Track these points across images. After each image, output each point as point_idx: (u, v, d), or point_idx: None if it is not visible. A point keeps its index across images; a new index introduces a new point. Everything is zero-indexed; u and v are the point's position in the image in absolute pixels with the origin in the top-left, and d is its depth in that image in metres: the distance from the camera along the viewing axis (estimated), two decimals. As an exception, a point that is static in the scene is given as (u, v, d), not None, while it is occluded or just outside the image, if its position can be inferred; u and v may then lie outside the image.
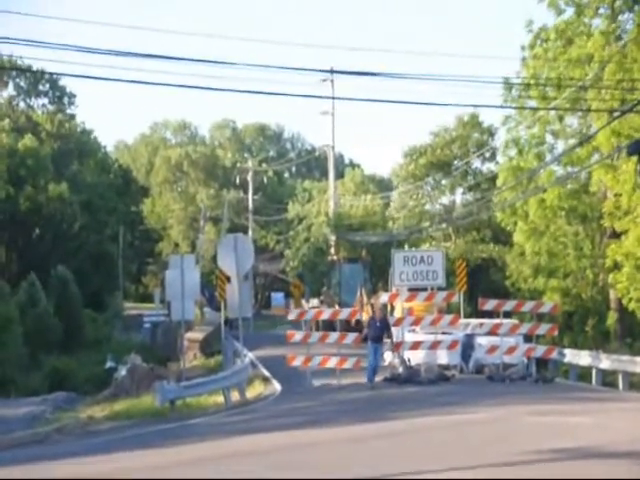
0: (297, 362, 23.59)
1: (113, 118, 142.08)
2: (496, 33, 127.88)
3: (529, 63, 36.46)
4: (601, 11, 34.56)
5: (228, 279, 28.16)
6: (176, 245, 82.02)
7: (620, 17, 34.11)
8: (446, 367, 23.33)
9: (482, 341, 23.69)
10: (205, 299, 51.83)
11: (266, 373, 28.33)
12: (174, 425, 18.70)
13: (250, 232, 63.41)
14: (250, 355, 31.40)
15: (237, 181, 73.33)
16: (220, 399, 22.46)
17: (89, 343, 48.09)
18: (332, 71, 36.86)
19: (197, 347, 39.31)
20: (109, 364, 37.17)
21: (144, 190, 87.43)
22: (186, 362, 31.67)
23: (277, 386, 25.09)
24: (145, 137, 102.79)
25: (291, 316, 26.03)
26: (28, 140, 59.74)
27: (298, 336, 24.60)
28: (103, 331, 52.51)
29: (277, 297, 59.16)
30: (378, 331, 22.74)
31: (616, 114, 28.49)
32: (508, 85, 36.03)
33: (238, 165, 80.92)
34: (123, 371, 30.93)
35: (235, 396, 22.78)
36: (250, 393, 23.82)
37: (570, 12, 35.56)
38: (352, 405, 19.41)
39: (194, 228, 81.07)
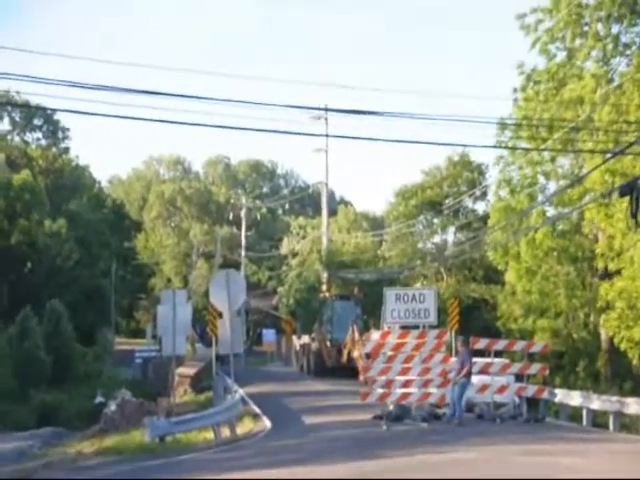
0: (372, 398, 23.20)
1: (107, 153, 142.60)
2: (488, 73, 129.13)
3: (521, 104, 36.81)
4: (593, 54, 35.02)
5: (220, 315, 28.20)
6: (168, 280, 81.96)
7: (612, 60, 34.56)
8: (437, 405, 23.26)
9: (473, 380, 23.64)
10: (197, 334, 51.81)
11: (257, 410, 28.25)
12: (163, 461, 18.65)
13: (242, 268, 63.46)
14: (241, 391, 31.31)
15: (230, 217, 73.57)
16: (210, 435, 22.38)
17: (79, 378, 47.83)
18: (326, 109, 37.25)
19: (188, 383, 39.17)
20: (99, 399, 37.00)
21: (137, 225, 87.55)
22: (176, 398, 31.66)
23: (267, 423, 25.02)
24: (139, 172, 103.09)
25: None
26: (24, 175, 59.90)
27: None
28: (93, 366, 52.25)
29: (268, 333, 59.08)
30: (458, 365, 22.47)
31: (609, 155, 28.75)
32: (502, 126, 36.35)
33: (231, 201, 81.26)
34: (112, 406, 30.76)
35: (225, 432, 22.68)
36: (240, 430, 23.73)
37: (561, 55, 36.08)
38: (342, 443, 19.32)
39: (187, 264, 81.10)
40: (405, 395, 22.56)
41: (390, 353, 23.80)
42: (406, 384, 22.81)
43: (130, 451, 21.34)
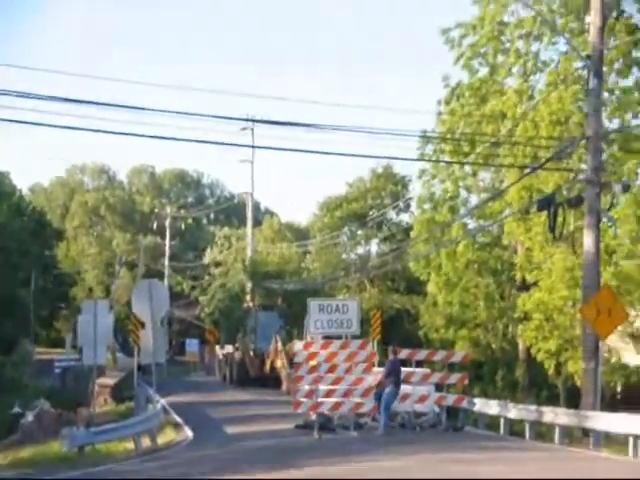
0: (303, 408, 23.03)
1: (28, 161, 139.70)
2: (413, 87, 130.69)
3: (444, 118, 37.39)
4: (514, 70, 35.84)
5: (142, 324, 27.99)
6: (90, 290, 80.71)
7: (532, 77, 35.43)
8: (361, 415, 23.42)
9: (386, 390, 23.81)
10: (118, 344, 51.18)
11: (178, 420, 28.07)
12: (82, 472, 18.38)
13: (166, 278, 62.95)
14: (162, 401, 31.08)
15: (154, 226, 72.92)
16: (131, 445, 22.15)
17: (-4, 388, 46.67)
18: (252, 120, 37.34)
19: (108, 392, 38.69)
20: (16, 409, 36.10)
21: (59, 234, 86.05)
22: (97, 408, 31.20)
23: (189, 433, 24.88)
24: (62, 180, 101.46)
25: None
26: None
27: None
28: (10, 376, 51.04)
29: (192, 343, 58.76)
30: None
31: (526, 171, 29.43)
32: (425, 139, 36.86)
33: (156, 210, 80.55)
34: (30, 417, 30.16)
35: (146, 442, 22.47)
36: (161, 440, 23.55)
37: (484, 71, 36.81)
38: (264, 453, 19.35)
39: (109, 273, 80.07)
40: (338, 405, 22.56)
41: (313, 363, 23.94)
42: (329, 394, 22.90)
43: (48, 462, 20.97)
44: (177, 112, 18.94)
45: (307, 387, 25.06)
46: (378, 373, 23.87)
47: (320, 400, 22.47)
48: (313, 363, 24.20)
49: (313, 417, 23.66)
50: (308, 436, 22.06)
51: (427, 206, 39.98)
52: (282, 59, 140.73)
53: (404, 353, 23.89)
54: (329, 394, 22.91)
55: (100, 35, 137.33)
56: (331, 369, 22.86)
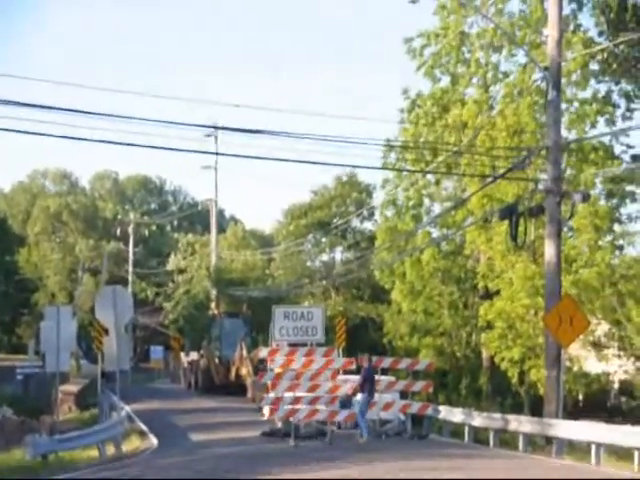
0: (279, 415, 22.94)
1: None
2: (380, 96, 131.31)
3: (407, 127, 37.71)
4: (474, 81, 36.29)
5: (106, 331, 27.93)
6: (53, 296, 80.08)
7: (492, 87, 35.89)
8: (324, 422, 23.52)
9: (359, 397, 24.00)
10: (81, 351, 50.84)
11: (143, 427, 28.01)
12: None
13: (130, 285, 62.67)
14: (127, 408, 30.94)
15: (118, 233, 72.56)
16: (95, 453, 22.09)
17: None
18: (216, 127, 37.40)
19: (72, 400, 38.44)
20: (-23, 416, 35.83)
21: (20, 239, 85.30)
22: (60, 415, 31.02)
23: (154, 440, 24.82)
24: (23, 185, 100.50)
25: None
26: None
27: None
28: (-30, 382, 50.51)
29: (156, 350, 58.53)
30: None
31: (488, 180, 29.77)
32: (388, 147, 37.11)
33: (119, 217, 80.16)
34: (-8, 424, 29.97)
35: (110, 450, 22.43)
36: (126, 447, 23.50)
37: (446, 81, 37.22)
38: (230, 460, 19.36)
39: (72, 279, 79.48)
40: (314, 412, 22.62)
41: (279, 370, 24.02)
42: (295, 401, 22.98)
43: (10, 470, 20.74)
44: (141, 118, 18.94)
45: (273, 395, 25.21)
46: (349, 381, 23.96)
47: (296, 407, 22.44)
48: (279, 371, 24.32)
49: (279, 425, 23.80)
50: (273, 444, 22.16)
51: (390, 213, 40.29)
52: (242, 64, 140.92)
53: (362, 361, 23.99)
54: (296, 402, 22.98)
55: (69, 39, 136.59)
56: (300, 377, 22.86)
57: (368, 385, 22.52)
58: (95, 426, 24.50)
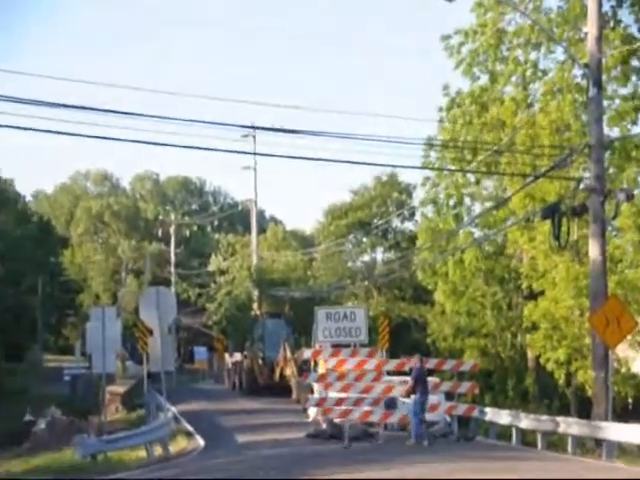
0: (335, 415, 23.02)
1: (32, 167, 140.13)
2: (416, 94, 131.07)
3: (446, 126, 37.59)
4: (513, 79, 36.07)
5: (150, 332, 28.14)
6: (97, 297, 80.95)
7: (531, 85, 35.67)
8: (370, 424, 23.55)
9: (406, 399, 24.00)
10: (127, 352, 51.34)
11: (189, 428, 28.25)
12: (94, 480, 18.59)
13: (172, 285, 63.15)
14: (173, 409, 31.27)
15: (159, 234, 73.12)
16: (142, 454, 22.34)
17: (6, 395, 46.91)
18: (254, 127, 37.43)
19: (119, 400, 38.86)
20: (27, 417, 36.40)
21: (64, 241, 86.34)
22: (107, 416, 31.37)
23: (200, 441, 25.05)
24: (66, 187, 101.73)
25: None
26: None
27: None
28: (20, 383, 51.33)
29: (200, 351, 58.84)
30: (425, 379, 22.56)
31: (529, 179, 29.59)
32: (428, 146, 37.02)
33: (160, 217, 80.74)
34: (42, 424, 30.45)
35: (158, 451, 22.68)
36: (173, 448, 23.74)
37: (485, 79, 37.06)
38: (275, 461, 19.45)
39: (115, 280, 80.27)
40: (367, 413, 22.64)
41: (322, 371, 24.17)
42: (338, 402, 23.06)
43: (60, 470, 21.13)
44: (180, 119, 19.10)
45: (317, 396, 25.35)
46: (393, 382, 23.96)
47: (350, 408, 22.48)
48: (322, 371, 24.45)
49: (324, 426, 23.90)
50: (318, 445, 22.24)
51: (430, 211, 40.23)
52: (284, 66, 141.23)
53: (413, 362, 23.97)
54: (339, 403, 23.06)
55: (99, 38, 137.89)
56: (344, 378, 22.94)
57: (420, 386, 22.40)
58: (142, 427, 24.80)
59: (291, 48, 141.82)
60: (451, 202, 38.83)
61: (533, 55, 35.30)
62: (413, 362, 22.86)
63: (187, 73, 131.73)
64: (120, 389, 40.31)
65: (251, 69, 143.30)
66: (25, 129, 18.36)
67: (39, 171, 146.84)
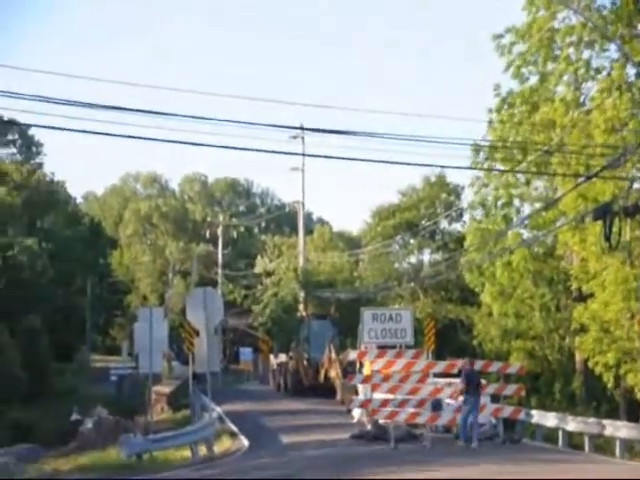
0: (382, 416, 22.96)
1: (82, 169, 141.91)
2: (464, 95, 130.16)
3: (495, 126, 37.21)
4: (564, 78, 35.52)
5: (197, 333, 28.22)
6: (144, 298, 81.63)
7: (584, 85, 35.09)
8: (415, 425, 23.36)
9: (450, 400, 23.81)
10: (173, 352, 51.66)
11: (234, 428, 28.29)
12: (140, 479, 18.61)
13: (219, 286, 63.42)
14: (218, 409, 31.33)
15: (207, 235, 73.51)
16: (187, 453, 22.40)
17: (55, 395, 47.49)
18: (302, 128, 37.32)
19: (164, 400, 39.06)
20: (75, 416, 36.77)
21: (113, 242, 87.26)
22: (153, 415, 31.56)
23: (245, 442, 25.06)
24: (115, 189, 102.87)
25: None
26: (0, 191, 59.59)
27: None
28: (69, 383, 51.94)
29: (245, 352, 58.97)
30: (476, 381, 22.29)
31: (581, 179, 29.11)
32: (476, 147, 36.68)
33: (208, 219, 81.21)
34: (89, 424, 30.69)
35: (203, 451, 22.71)
36: (218, 448, 23.77)
37: (535, 79, 36.56)
38: (320, 462, 19.43)
39: (163, 281, 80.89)
40: (414, 415, 22.38)
41: (367, 373, 24.02)
42: (383, 404, 22.88)
43: (106, 469, 21.30)
44: (228, 120, 19.00)
45: (362, 397, 25.21)
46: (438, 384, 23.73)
47: (397, 410, 22.29)
48: (367, 373, 24.31)
49: (368, 427, 23.76)
50: (362, 446, 22.11)
51: (479, 212, 39.86)
52: (330, 66, 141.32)
53: (459, 364, 23.71)
54: (384, 404, 22.88)
55: (146, 39, 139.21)
56: (388, 379, 22.75)
57: (471, 388, 22.11)
58: (188, 427, 24.87)
59: (338, 49, 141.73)
60: (499, 203, 38.45)
61: (585, 54, 34.79)
62: (462, 364, 22.64)
63: (237, 74, 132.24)
64: (166, 389, 40.53)
65: (301, 70, 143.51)
66: (74, 131, 18.47)
67: (90, 173, 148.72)
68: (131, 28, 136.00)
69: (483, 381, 24.69)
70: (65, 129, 18.23)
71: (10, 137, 76.62)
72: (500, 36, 36.33)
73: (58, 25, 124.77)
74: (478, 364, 24.40)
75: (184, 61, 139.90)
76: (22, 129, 74.31)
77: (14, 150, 77.01)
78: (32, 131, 75.72)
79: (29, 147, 77.48)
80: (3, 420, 39.98)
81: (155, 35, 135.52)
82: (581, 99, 34.55)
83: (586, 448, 22.43)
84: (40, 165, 76.41)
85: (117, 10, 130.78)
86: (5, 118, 59.28)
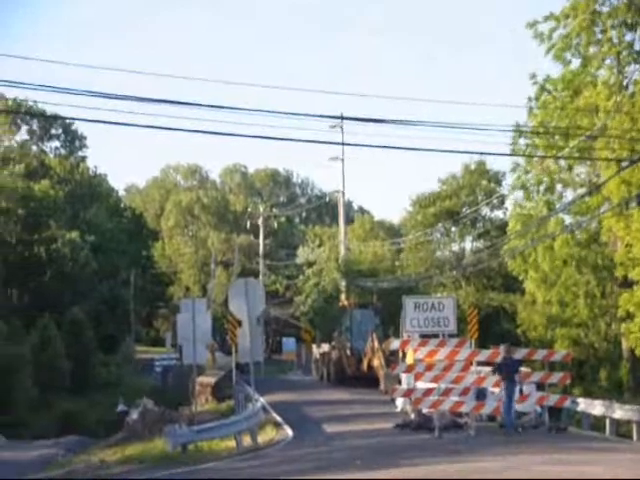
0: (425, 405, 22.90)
1: (124, 162, 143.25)
2: (502, 81, 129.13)
3: (536, 112, 36.80)
4: (607, 62, 35.00)
5: (239, 323, 28.27)
6: (187, 289, 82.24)
7: (627, 68, 34.54)
8: (459, 414, 23.23)
9: (494, 389, 23.62)
10: (217, 343, 51.95)
11: (278, 418, 28.35)
12: (186, 470, 18.73)
13: (261, 276, 63.62)
14: (262, 400, 31.43)
15: (247, 226, 73.78)
16: (232, 444, 22.48)
17: (100, 386, 48.13)
18: (342, 117, 37.20)
19: (209, 391, 39.23)
20: (120, 407, 37.16)
21: (155, 234, 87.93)
22: (198, 406, 31.74)
23: (289, 432, 25.10)
24: (157, 181, 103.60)
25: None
26: (43, 185, 60.27)
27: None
28: (114, 374, 52.57)
29: (288, 342, 59.09)
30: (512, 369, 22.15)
31: (625, 164, 28.71)
32: (517, 133, 36.34)
33: (249, 210, 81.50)
34: (135, 415, 30.94)
35: (247, 441, 22.79)
36: (262, 438, 23.83)
37: (577, 63, 36.09)
38: (363, 452, 19.39)
39: (205, 272, 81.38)
40: (459, 404, 22.30)
41: (410, 362, 23.91)
42: (427, 393, 22.77)
43: (153, 459, 21.43)
44: (267, 111, 18.98)
45: (405, 386, 25.13)
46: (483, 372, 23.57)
47: (442, 399, 22.18)
48: (410, 362, 24.19)
49: (412, 416, 23.68)
50: (406, 436, 22.05)
51: (520, 197, 39.56)
52: (369, 55, 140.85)
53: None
54: (427, 393, 22.78)
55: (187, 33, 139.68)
56: (431, 368, 22.63)
57: (505, 376, 21.96)
58: (232, 417, 24.97)
59: (378, 39, 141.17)
60: (541, 188, 38.08)
61: (628, 37, 34.22)
62: (500, 351, 22.51)
63: (277, 65, 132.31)
64: (210, 380, 40.69)
65: (340, 60, 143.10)
66: (111, 123, 18.60)
67: (131, 165, 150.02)
68: (161, 18, 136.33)
69: (527, 369, 24.51)
70: (108, 122, 18.42)
71: (54, 131, 77.42)
72: (536, 23, 35.79)
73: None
74: (522, 352, 24.21)
75: (219, 53, 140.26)
76: (65, 123, 75.05)
77: (58, 144, 77.83)
78: (75, 125, 76.54)
79: (72, 141, 78.22)
80: (51, 411, 40.62)
81: (186, 26, 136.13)
82: (624, 82, 34.03)
83: (634, 436, 22.13)
84: (83, 159, 77.17)
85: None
86: (49, 112, 60.46)
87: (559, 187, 38.46)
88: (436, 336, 24.84)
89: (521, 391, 22.36)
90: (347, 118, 36.10)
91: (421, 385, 23.19)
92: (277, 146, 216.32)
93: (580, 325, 35.80)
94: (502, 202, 49.92)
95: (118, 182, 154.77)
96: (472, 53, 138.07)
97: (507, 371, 22.00)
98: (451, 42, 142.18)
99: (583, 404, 24.66)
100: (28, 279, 54.59)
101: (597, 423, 24.35)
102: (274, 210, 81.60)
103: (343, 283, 50.23)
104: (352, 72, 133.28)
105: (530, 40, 35.91)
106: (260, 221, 70.95)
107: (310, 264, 56.37)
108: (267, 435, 24.88)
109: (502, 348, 22.63)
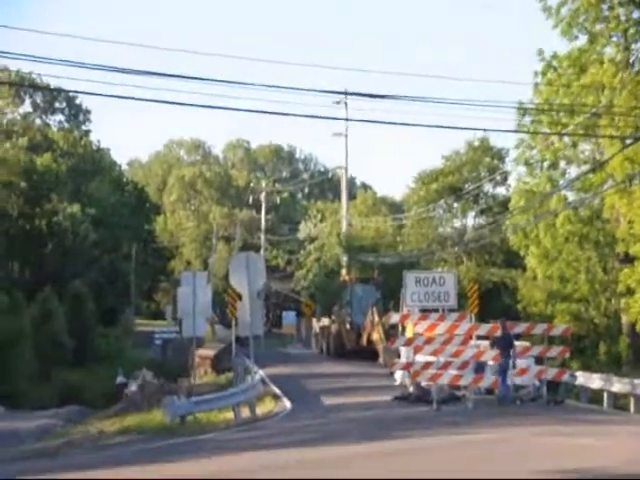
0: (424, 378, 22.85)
1: (126, 136, 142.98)
2: (508, 58, 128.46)
3: (541, 89, 36.62)
4: (614, 39, 34.74)
5: (239, 297, 28.27)
6: (188, 263, 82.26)
7: (633, 45, 34.28)
8: (457, 387, 23.25)
9: (492, 362, 23.61)
10: (217, 316, 52.05)
11: (276, 390, 28.40)
12: (184, 440, 18.74)
13: (262, 251, 63.67)
14: (261, 372, 31.49)
15: (250, 201, 73.76)
16: (230, 415, 22.49)
17: (100, 358, 48.23)
18: (346, 93, 37.03)
19: (208, 364, 39.36)
20: (120, 379, 37.26)
21: (156, 208, 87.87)
22: (197, 378, 31.82)
23: (287, 404, 25.13)
24: (159, 155, 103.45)
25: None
26: (45, 159, 60.16)
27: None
28: (114, 347, 52.66)
29: (288, 316, 59.24)
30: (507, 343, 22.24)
31: (629, 141, 28.59)
32: (522, 110, 36.17)
33: (251, 185, 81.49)
34: (134, 386, 31.04)
35: (245, 413, 22.82)
36: (260, 410, 23.85)
37: (583, 40, 35.82)
38: (362, 423, 19.47)
39: (206, 246, 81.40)
40: (457, 377, 22.23)
41: (410, 335, 23.90)
42: (425, 366, 22.76)
43: (151, 430, 21.45)
44: (271, 85, 18.87)
45: (404, 360, 25.13)
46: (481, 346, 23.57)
47: (440, 372, 22.17)
48: (410, 335, 24.19)
49: (411, 389, 23.70)
50: (404, 408, 22.09)
51: (523, 173, 39.48)
52: (373, 31, 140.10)
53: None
54: (425, 367, 22.77)
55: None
56: (431, 342, 22.60)
57: (501, 350, 22.03)
58: (230, 389, 24.99)
59: (379, 13, 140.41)
60: (545, 165, 37.99)
61: (636, 14, 33.94)
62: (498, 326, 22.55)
63: (280, 40, 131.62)
64: (209, 352, 40.79)
65: (344, 35, 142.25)
66: (118, 97, 18.54)
67: (134, 139, 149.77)
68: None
69: (526, 343, 24.51)
70: (112, 96, 18.36)
71: (58, 105, 77.21)
72: None
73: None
74: (522, 326, 24.23)
75: (222, 26, 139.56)
76: (69, 97, 74.85)
77: (62, 117, 77.63)
78: (79, 98, 76.33)
79: (76, 115, 78.03)
80: (51, 383, 40.73)
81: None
82: (630, 60, 33.82)
83: (632, 409, 22.19)
84: (87, 132, 76.99)
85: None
86: (52, 85, 60.30)
87: (563, 164, 38.34)
88: (436, 311, 24.82)
89: (514, 365, 22.38)
90: (351, 94, 36.00)
91: (420, 358, 23.19)
92: (281, 121, 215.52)
93: (580, 300, 35.83)
94: (505, 179, 49.95)
95: (121, 156, 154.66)
96: (481, 28, 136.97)
97: (503, 345, 22.04)
98: (459, 16, 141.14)
99: (582, 378, 24.70)
100: (29, 252, 54.59)
101: (595, 396, 24.44)
102: (277, 185, 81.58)
103: (344, 258, 50.25)
104: (356, 47, 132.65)
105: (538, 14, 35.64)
106: (262, 196, 70.91)
107: (312, 239, 56.40)
108: (266, 407, 24.92)
109: (499, 322, 22.66)
